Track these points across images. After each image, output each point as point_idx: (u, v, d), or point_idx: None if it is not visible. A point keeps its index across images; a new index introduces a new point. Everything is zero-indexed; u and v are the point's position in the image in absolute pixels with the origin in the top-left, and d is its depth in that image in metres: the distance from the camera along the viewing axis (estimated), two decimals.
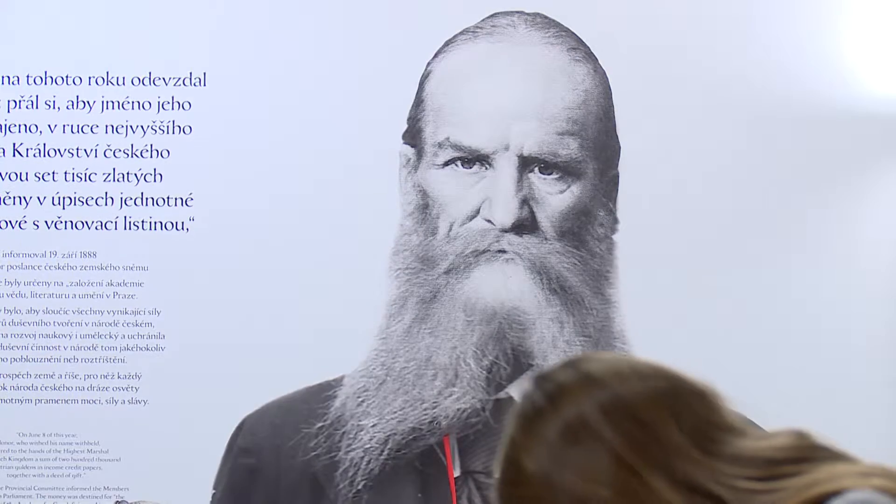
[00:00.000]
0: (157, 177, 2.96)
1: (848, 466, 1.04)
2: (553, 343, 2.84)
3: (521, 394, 1.10)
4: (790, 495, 0.99)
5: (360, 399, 2.93)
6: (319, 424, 2.91)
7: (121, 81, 3.00)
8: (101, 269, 2.99)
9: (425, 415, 2.90)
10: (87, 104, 3.00)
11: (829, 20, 3.24)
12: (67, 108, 3.00)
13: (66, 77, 3.05)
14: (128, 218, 2.99)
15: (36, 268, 3.01)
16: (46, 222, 3.03)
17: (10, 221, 3.02)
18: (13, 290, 3.08)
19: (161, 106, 2.97)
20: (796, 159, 3.01)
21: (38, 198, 3.02)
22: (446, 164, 2.87)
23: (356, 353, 2.94)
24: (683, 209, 3.04)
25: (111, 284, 2.99)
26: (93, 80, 3.01)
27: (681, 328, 3.01)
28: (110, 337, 3.02)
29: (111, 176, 3.01)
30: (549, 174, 2.83)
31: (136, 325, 3.00)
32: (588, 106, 2.91)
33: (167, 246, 2.99)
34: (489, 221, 2.85)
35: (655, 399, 0.98)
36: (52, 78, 3.02)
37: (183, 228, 2.95)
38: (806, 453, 1.03)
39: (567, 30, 2.96)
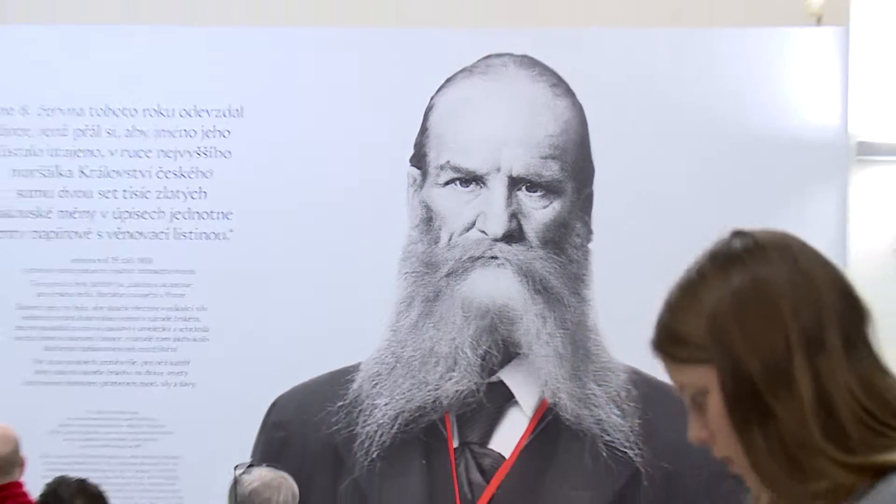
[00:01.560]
0: (202, 194, 3.52)
1: None
2: (537, 335, 3.30)
3: (719, 240, 1.05)
4: (882, 453, 1.02)
5: (374, 382, 3.43)
6: (340, 403, 3.42)
7: (170, 113, 3.56)
8: (155, 272, 3.55)
9: (429, 395, 3.40)
10: (142, 133, 3.56)
11: (774, 65, 3.71)
12: (125, 136, 3.58)
13: (124, 109, 3.58)
14: (177, 229, 3.56)
15: (100, 272, 3.59)
16: (108, 233, 3.60)
17: (78, 233, 3.60)
18: (82, 291, 3.65)
19: (205, 134, 3.52)
20: (743, 178, 3.46)
21: (102, 213, 3.61)
22: (447, 183, 3.33)
23: (370, 343, 3.45)
24: (648, 222, 3.51)
25: (164, 286, 3.56)
26: (147, 112, 3.56)
27: (646, 323, 3.66)
28: (163, 329, 3.59)
29: (163, 194, 3.58)
30: (534, 192, 3.31)
31: (185, 319, 3.57)
32: (567, 134, 3.39)
33: (211, 253, 3.55)
34: (483, 232, 3.32)
35: (833, 299, 1.01)
36: (112, 110, 3.57)
37: (224, 238, 3.51)
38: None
39: (549, 69, 3.45)
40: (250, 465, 3.36)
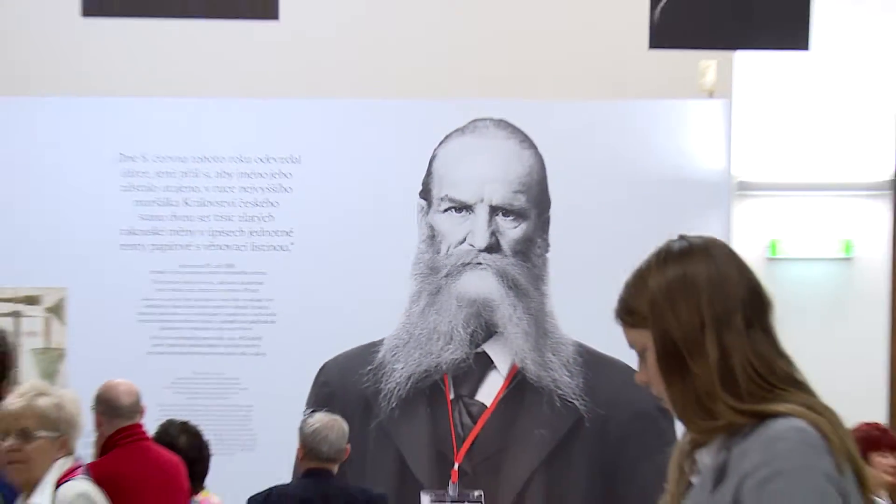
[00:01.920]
0: (271, 218, 4.27)
1: (805, 400, 1.39)
2: (510, 318, 4.10)
3: (667, 241, 1.43)
4: (765, 403, 1.36)
5: (394, 352, 4.19)
6: (369, 367, 4.18)
7: (248, 160, 4.29)
8: (237, 274, 4.28)
9: (432, 362, 4.15)
10: (228, 174, 4.30)
11: (678, 126, 4.29)
12: (216, 176, 4.31)
13: (215, 157, 4.30)
14: (253, 244, 4.28)
15: (199, 273, 4.29)
16: (204, 246, 4.29)
17: (182, 245, 4.27)
18: (186, 287, 4.31)
19: (273, 175, 4.29)
20: (655, 209, 4.07)
21: (199, 232, 4.30)
22: (445, 210, 4.17)
23: (391, 324, 4.20)
24: (587, 239, 4.19)
25: (243, 283, 4.29)
26: (231, 159, 4.30)
27: (587, 311, 4.03)
28: (242, 315, 4.28)
29: (243, 218, 4.29)
30: (507, 217, 4.15)
31: (259, 307, 4.28)
32: (531, 175, 4.21)
33: (277, 260, 4.28)
34: (471, 245, 4.14)
35: (741, 293, 1.34)
36: (206, 158, 4.29)
37: (286, 250, 4.29)
38: (797, 385, 1.39)
39: (518, 129, 4.24)
40: (313, 411, 3.91)
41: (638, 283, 1.40)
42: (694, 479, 1.53)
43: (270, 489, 3.82)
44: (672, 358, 1.38)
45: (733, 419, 1.39)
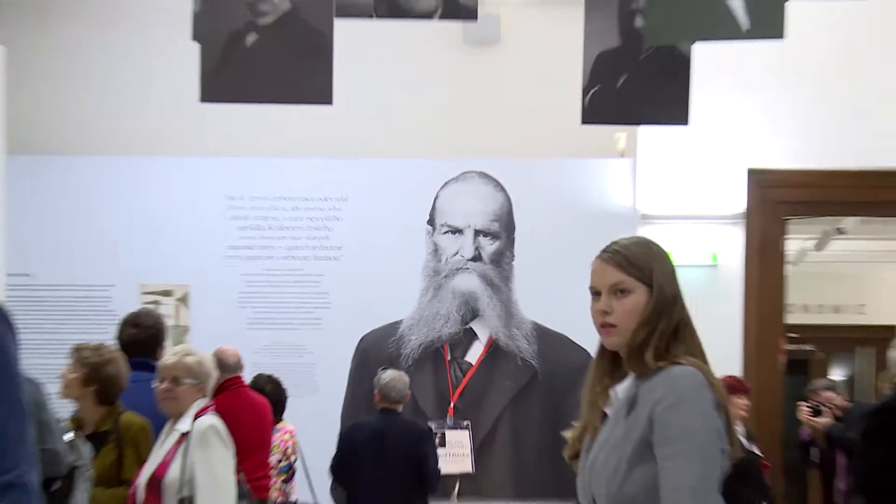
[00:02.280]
0: (327, 238, 5.07)
1: (695, 360, 1.65)
2: (488, 305, 4.93)
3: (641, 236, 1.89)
4: (676, 357, 1.62)
5: (410, 328, 4.96)
6: (392, 338, 4.92)
7: (312, 199, 5.09)
8: (304, 275, 5.08)
9: (436, 335, 4.92)
10: (298, 209, 5.10)
11: (599, 176, 5.14)
12: (291, 210, 5.09)
13: (290, 197, 5.11)
14: (315, 255, 5.09)
15: (278, 276, 5.09)
16: (282, 257, 5.09)
17: (266, 256, 5.04)
18: (269, 284, 5.10)
19: (328, 209, 5.07)
20: (580, 235, 4.78)
21: (278, 247, 5.09)
22: (444, 233, 4.96)
23: (408, 309, 4.98)
24: (538, 253, 4.98)
25: (308, 282, 5.08)
26: (301, 199, 5.08)
27: (541, 301, 5.03)
28: (308, 303, 5.08)
29: (308, 238, 5.11)
30: (486, 237, 4.95)
31: (319, 298, 5.03)
32: (502, 209, 4.99)
33: (331, 267, 5.05)
34: (462, 256, 4.98)
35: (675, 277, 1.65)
36: (284, 198, 5.13)
37: (337, 259, 5.10)
38: (693, 350, 1.65)
39: (493, 178, 5.06)
40: (384, 368, 4.51)
41: (644, 248, 1.72)
42: (608, 410, 1.76)
43: (353, 422, 4.56)
44: (658, 309, 1.67)
45: (659, 365, 1.66)
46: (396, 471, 4.23)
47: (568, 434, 1.88)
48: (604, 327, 1.73)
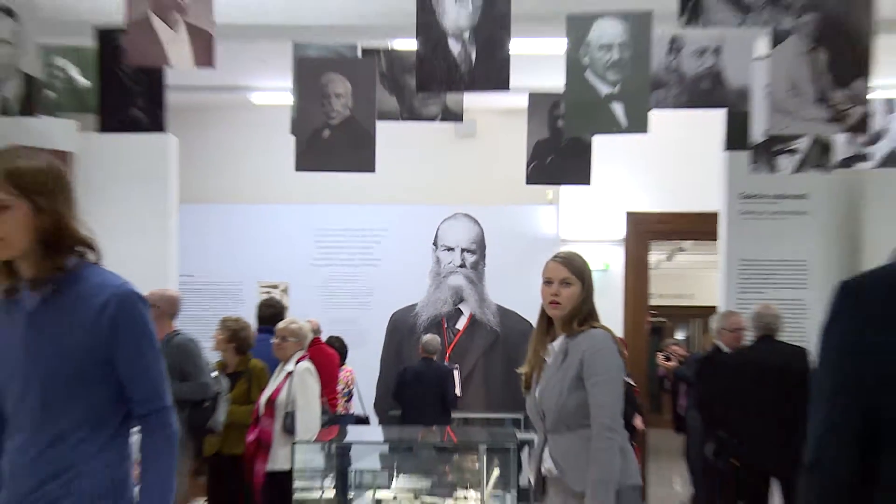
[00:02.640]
0: (372, 254, 6.80)
1: (605, 326, 2.01)
2: (470, 294, 6.52)
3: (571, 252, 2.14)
4: (593, 323, 2.05)
5: (422, 309, 6.54)
6: (412, 314, 6.51)
7: (363, 229, 6.77)
8: (357, 276, 6.76)
9: (438, 312, 6.45)
10: (354, 237, 6.74)
11: (534, 218, 6.65)
12: (351, 236, 6.78)
13: (350, 229, 6.75)
14: (364, 264, 6.80)
15: (341, 279, 6.76)
16: (342, 266, 6.73)
17: (336, 265, 6.67)
18: (336, 283, 6.72)
19: (373, 236, 6.80)
20: (521, 259, 6.24)
21: (341, 260, 6.72)
22: (443, 250, 6.59)
23: (421, 296, 6.60)
24: (498, 264, 6.47)
25: (359, 281, 6.76)
26: (355, 229, 6.73)
27: (501, 291, 6.58)
28: (360, 294, 6.74)
29: (361, 254, 6.90)
30: (468, 253, 6.53)
31: (366, 291, 6.73)
32: (478, 236, 6.61)
33: (374, 271, 6.67)
34: (454, 264, 6.59)
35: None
36: (347, 228, 6.78)
37: (377, 266, 6.75)
38: (596, 318, 2.04)
39: (473, 217, 6.68)
40: (425, 332, 5.82)
41: (580, 259, 1.97)
42: (547, 358, 2.08)
43: (405, 367, 5.55)
44: (584, 295, 2.02)
45: (581, 329, 1.98)
46: (430, 396, 5.22)
47: (521, 371, 2.19)
48: (552, 304, 2.00)
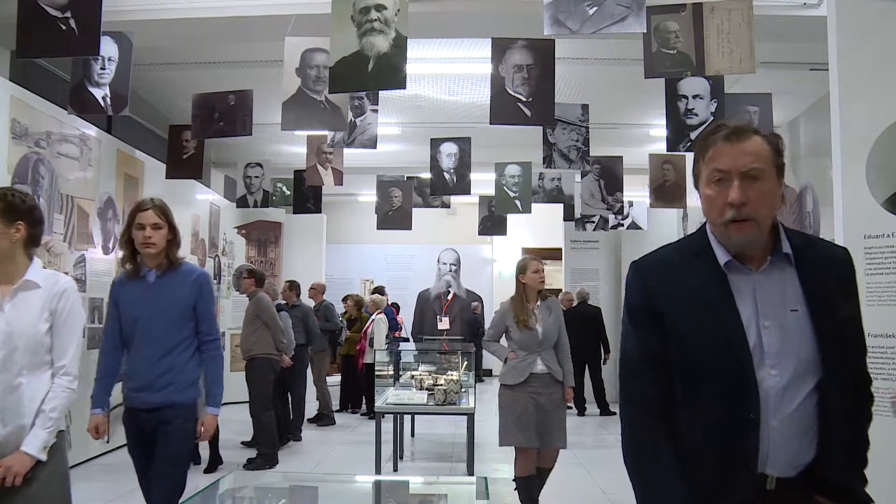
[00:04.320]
0: (408, 268, 12.84)
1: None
2: (453, 285, 10.92)
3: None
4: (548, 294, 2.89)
5: (432, 291, 10.70)
6: (426, 292, 10.89)
7: (401, 256, 12.93)
8: (402, 280, 12.92)
9: (439, 292, 10.53)
10: (399, 261, 12.96)
11: (485, 250, 12.20)
12: (396, 262, 13.15)
13: (395, 254, 12.97)
14: (405, 271, 13.15)
15: (395, 280, 12.82)
16: (387, 274, 12.85)
17: (393, 272, 12.99)
18: (396, 285, 12.03)
19: (408, 261, 12.95)
20: (476, 270, 11.91)
21: (397, 268, 13.19)
22: (441, 264, 11.10)
23: (430, 284, 11.05)
24: (469, 273, 10.88)
25: (402, 280, 12.78)
26: (402, 254, 12.92)
27: (473, 283, 11.45)
28: (404, 286, 12.23)
29: (399, 269, 13.28)
30: (453, 265, 10.91)
31: (402, 288, 12.18)
32: (457, 259, 11.33)
33: (406, 276, 12.79)
34: (447, 271, 10.78)
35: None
36: (397, 255, 12.96)
37: (410, 274, 13.48)
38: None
39: (456, 251, 11.45)
40: (436, 300, 9.90)
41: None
42: (536, 312, 3.05)
43: (423, 313, 9.46)
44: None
45: (545, 297, 2.64)
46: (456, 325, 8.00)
47: (521, 318, 2.88)
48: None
